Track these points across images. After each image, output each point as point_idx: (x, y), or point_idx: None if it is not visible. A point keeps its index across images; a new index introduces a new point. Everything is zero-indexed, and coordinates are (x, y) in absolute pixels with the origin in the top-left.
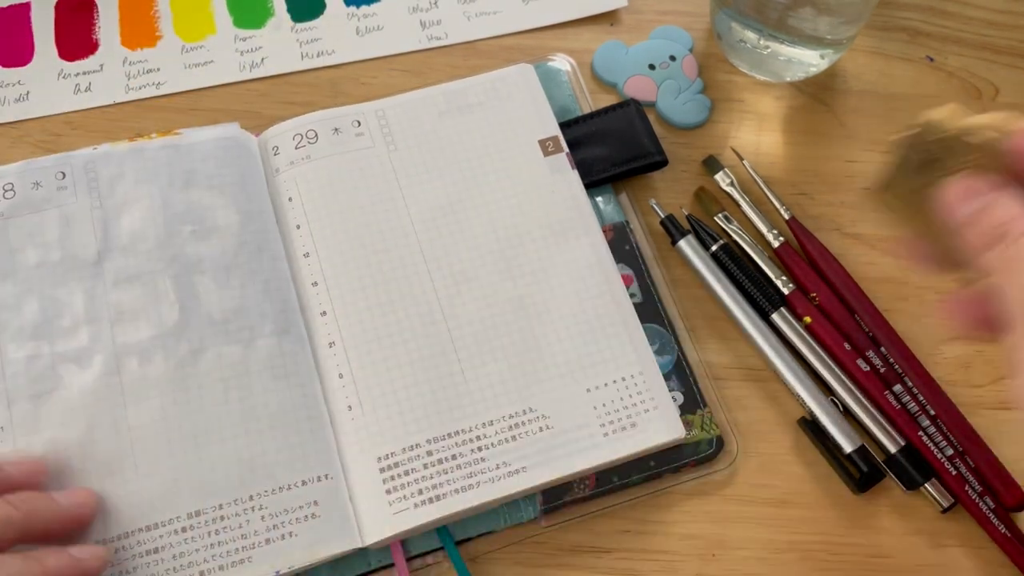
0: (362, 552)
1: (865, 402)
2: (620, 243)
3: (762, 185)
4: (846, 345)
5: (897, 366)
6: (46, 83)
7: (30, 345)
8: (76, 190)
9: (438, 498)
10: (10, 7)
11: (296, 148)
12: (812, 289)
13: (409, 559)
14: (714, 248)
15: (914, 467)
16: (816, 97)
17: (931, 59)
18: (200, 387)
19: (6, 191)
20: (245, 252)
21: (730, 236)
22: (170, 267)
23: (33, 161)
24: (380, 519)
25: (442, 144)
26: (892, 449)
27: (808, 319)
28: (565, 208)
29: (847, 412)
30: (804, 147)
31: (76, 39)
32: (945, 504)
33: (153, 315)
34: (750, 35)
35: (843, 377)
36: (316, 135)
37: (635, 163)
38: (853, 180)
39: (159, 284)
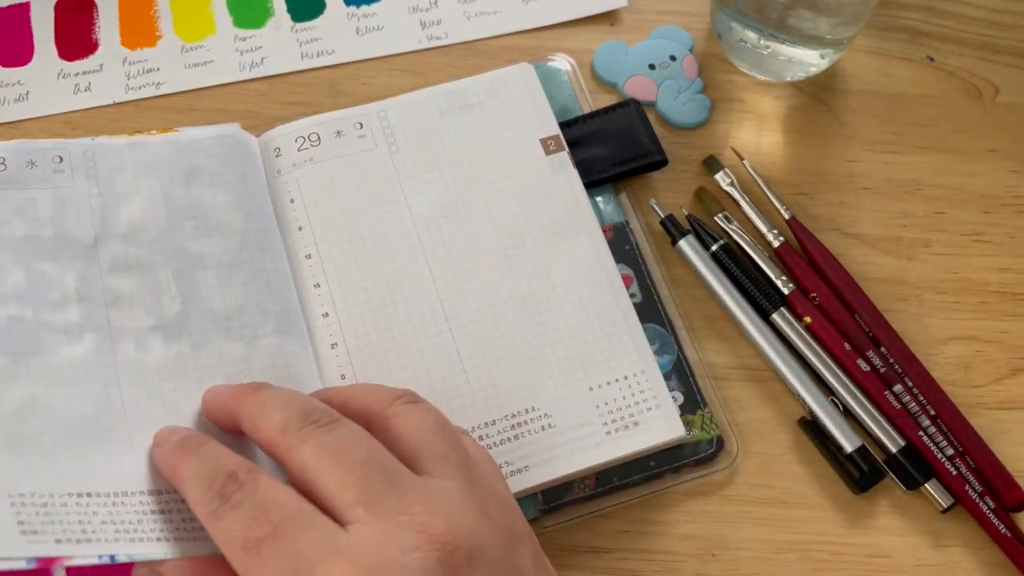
0: None
1: (865, 402)
2: (620, 243)
3: (762, 185)
4: (846, 345)
5: (897, 366)
6: (46, 83)
7: (13, 307)
8: (74, 175)
9: None
10: (9, 7)
11: (299, 151)
12: (812, 289)
13: None
14: (714, 248)
15: (914, 467)
16: (816, 97)
17: (931, 59)
18: (201, 380)
19: None
20: (247, 251)
21: (730, 236)
22: (171, 260)
23: (29, 141)
24: None
25: (443, 144)
26: (892, 449)
27: (808, 319)
28: (566, 207)
29: (847, 412)
30: (804, 147)
31: (76, 39)
32: (945, 504)
33: (152, 305)
34: (750, 35)
35: (843, 377)
36: (319, 137)
37: (635, 163)
38: (853, 180)
39: (160, 275)
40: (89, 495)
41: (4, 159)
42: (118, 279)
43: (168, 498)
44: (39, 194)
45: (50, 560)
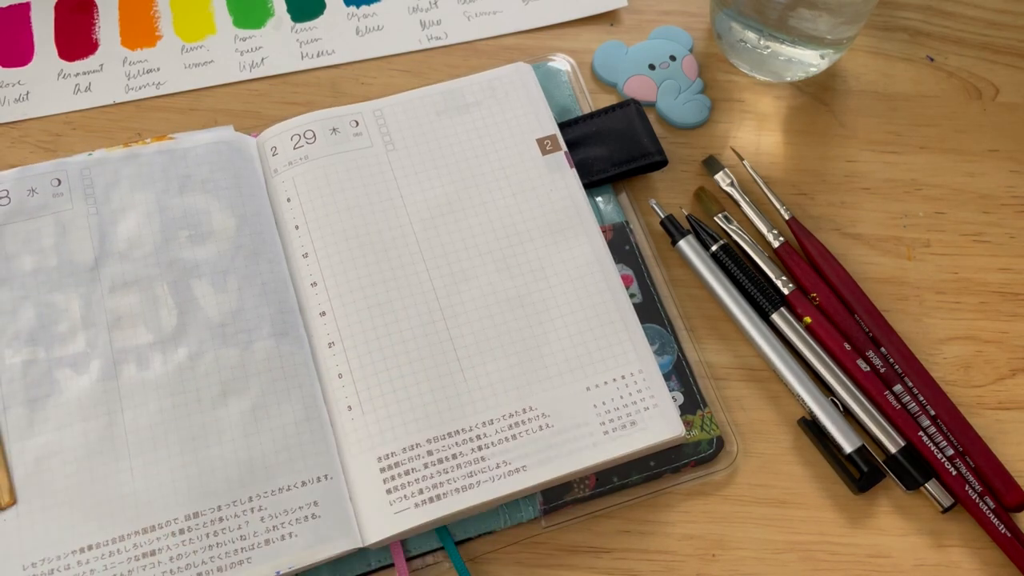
0: (362, 552)
1: (865, 402)
2: (620, 243)
3: (762, 185)
4: (846, 345)
5: (897, 366)
6: (46, 83)
7: (26, 350)
8: (72, 196)
9: (438, 498)
10: (10, 7)
11: (294, 148)
12: (812, 289)
13: (409, 559)
14: (714, 248)
15: (914, 467)
16: (816, 97)
17: (931, 59)
18: (198, 390)
19: (0, 198)
20: (241, 255)
21: (730, 236)
22: (167, 272)
23: (28, 168)
24: (380, 519)
25: (440, 143)
26: (892, 449)
27: (808, 319)
28: (563, 206)
29: (847, 412)
30: (804, 147)
31: (76, 39)
32: (945, 504)
33: (152, 320)
34: (750, 35)
35: (843, 377)
36: (314, 135)
37: (635, 163)
38: (853, 180)
39: (157, 290)
40: (90, 548)
41: (8, 191)
42: (119, 299)
43: (160, 534)
44: (41, 222)
45: None
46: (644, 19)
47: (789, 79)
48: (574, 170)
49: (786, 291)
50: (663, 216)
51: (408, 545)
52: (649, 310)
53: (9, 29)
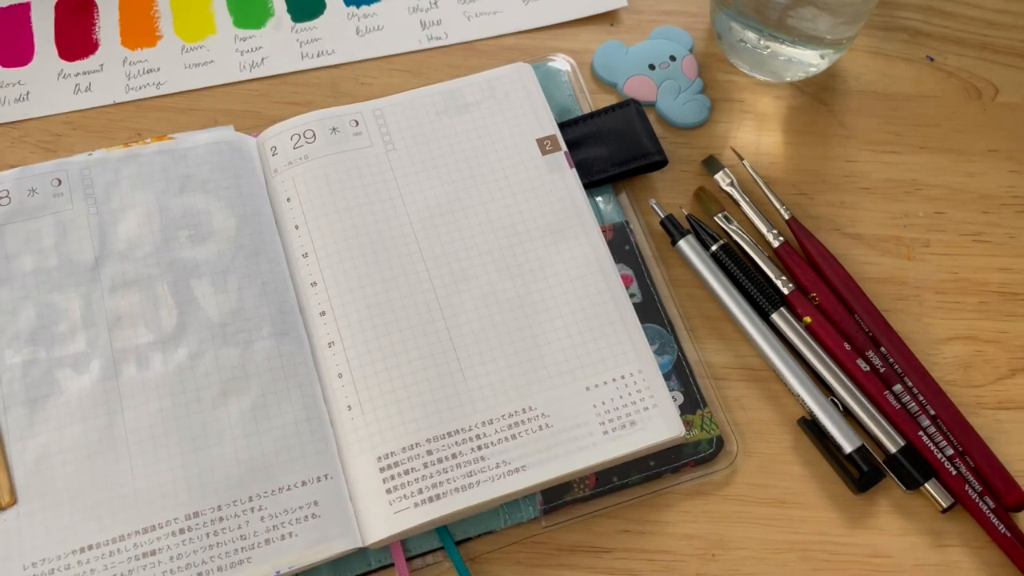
0: (362, 552)
1: (865, 402)
2: (620, 243)
3: (762, 185)
4: (846, 345)
5: (897, 366)
6: (46, 83)
7: (27, 350)
8: (72, 196)
9: (438, 497)
10: (10, 7)
11: (294, 148)
12: (812, 289)
13: (409, 559)
14: (714, 248)
15: (914, 467)
16: (816, 97)
17: (931, 59)
18: (198, 389)
19: (1, 198)
20: (242, 255)
21: (730, 236)
22: (167, 272)
23: (29, 168)
24: (380, 519)
25: (440, 143)
26: (892, 449)
27: (808, 319)
28: (563, 207)
29: (847, 412)
30: (804, 147)
31: (76, 39)
32: (945, 504)
33: (152, 320)
34: (750, 35)
35: (843, 377)
36: (314, 135)
37: (635, 163)
38: (853, 180)
39: (157, 289)
40: (90, 548)
41: (8, 191)
42: (119, 298)
43: (160, 534)
44: (42, 222)
45: None
46: (644, 19)
47: (789, 79)
48: (574, 170)
49: (786, 291)
50: (663, 216)
51: (408, 545)
52: (649, 310)
53: (9, 29)
